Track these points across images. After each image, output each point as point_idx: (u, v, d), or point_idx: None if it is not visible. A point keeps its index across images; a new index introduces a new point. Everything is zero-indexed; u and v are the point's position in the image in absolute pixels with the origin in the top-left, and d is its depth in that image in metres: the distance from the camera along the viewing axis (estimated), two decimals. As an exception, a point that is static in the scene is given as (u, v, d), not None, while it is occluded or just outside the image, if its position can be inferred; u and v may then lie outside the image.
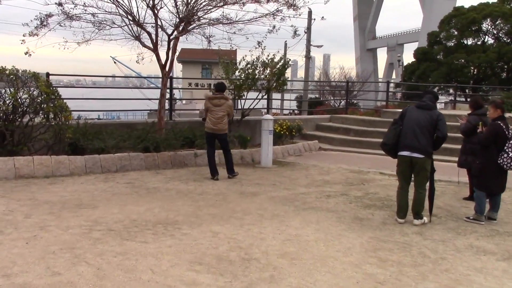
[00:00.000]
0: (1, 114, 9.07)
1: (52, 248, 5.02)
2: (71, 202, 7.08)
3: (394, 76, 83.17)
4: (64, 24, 10.31)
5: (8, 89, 9.25)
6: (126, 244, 5.25)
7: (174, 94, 17.26)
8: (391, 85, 27.21)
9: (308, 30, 29.94)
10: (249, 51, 12.88)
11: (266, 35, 12.18)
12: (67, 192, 7.72)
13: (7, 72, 9.32)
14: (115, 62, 53.34)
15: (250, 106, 13.41)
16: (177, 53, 12.69)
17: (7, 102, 9.08)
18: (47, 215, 6.32)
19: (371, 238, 5.85)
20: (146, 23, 11.44)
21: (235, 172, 9.55)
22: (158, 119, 11.74)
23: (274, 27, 12.00)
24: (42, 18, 10.25)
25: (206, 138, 9.59)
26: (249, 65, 12.85)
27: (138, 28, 11.39)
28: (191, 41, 23.59)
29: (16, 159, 8.72)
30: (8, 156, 8.96)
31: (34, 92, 9.45)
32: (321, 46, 34.19)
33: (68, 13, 10.32)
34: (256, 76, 12.91)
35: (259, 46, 12.56)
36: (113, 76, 30.55)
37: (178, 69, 44.54)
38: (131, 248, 5.12)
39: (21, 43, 10.80)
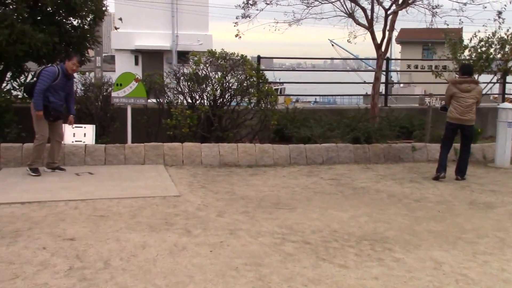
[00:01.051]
0: (209, 99, 8.87)
1: (236, 262, 4.23)
2: (269, 199, 6.34)
3: None
4: (271, 2, 9.68)
5: (216, 73, 9.02)
6: (322, 267, 4.20)
7: (391, 77, 15.67)
8: None
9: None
10: (483, 26, 10.67)
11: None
12: (266, 186, 7.04)
13: (217, 55, 9.08)
14: (332, 45, 53.17)
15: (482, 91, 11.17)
16: (395, 32, 11.16)
17: (215, 86, 8.84)
18: (241, 214, 5.66)
19: None
20: (361, -4, 10.20)
21: (465, 175, 7.78)
22: (371, 105, 10.47)
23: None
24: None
25: (447, 129, 7.93)
26: (482, 43, 10.65)
27: (351, 3, 10.22)
28: (412, 17, 21.37)
29: (221, 146, 8.42)
30: (214, 142, 8.74)
31: (241, 76, 9.05)
32: None
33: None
34: (491, 56, 10.65)
35: (498, 17, 10.28)
36: (331, 58, 29.89)
37: (396, 50, 42.12)
38: (326, 274, 4.05)
39: (234, 25, 10.58)
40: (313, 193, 6.73)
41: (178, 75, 9.10)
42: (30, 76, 9.53)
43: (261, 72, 9.15)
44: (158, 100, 9.59)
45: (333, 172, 8.03)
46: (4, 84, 9.31)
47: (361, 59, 29.66)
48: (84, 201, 5.90)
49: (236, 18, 10.58)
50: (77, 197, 6.00)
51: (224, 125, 9.06)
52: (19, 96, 9.24)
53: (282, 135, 9.90)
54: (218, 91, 8.90)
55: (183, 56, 22.99)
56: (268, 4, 9.79)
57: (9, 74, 9.30)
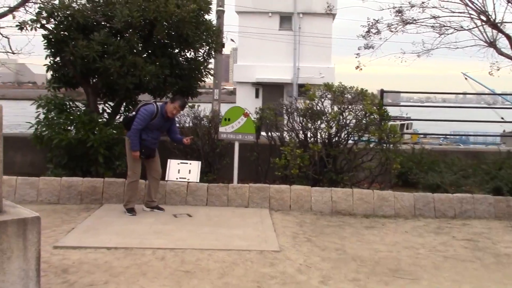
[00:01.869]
0: (323, 137, 7.98)
1: None
2: (386, 263, 5.23)
3: None
4: (397, 30, 8.62)
5: (332, 108, 8.12)
6: None
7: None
8: None
9: None
10: None
11: None
12: (384, 244, 5.92)
13: (334, 89, 8.20)
14: (466, 78, 49.36)
15: None
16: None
17: (330, 123, 7.93)
18: (350, 282, 4.63)
19: None
20: (505, 22, 8.74)
21: None
22: (516, 148, 8.82)
23: None
24: (371, 24, 8.82)
25: None
26: None
27: (493, 30, 8.80)
28: None
29: (334, 191, 7.44)
30: (327, 185, 7.80)
31: (360, 113, 8.05)
32: None
33: (403, 18, 8.61)
34: None
35: None
36: (464, 93, 27.50)
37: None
38: None
39: (355, 56, 9.69)
40: (442, 258, 5.47)
41: (290, 110, 8.35)
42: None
43: (383, 108, 8.08)
44: (269, 136, 8.92)
45: (468, 230, 6.64)
46: (117, 116, 9.27)
47: (500, 94, 26.76)
48: (173, 250, 5.27)
49: (358, 49, 9.69)
50: (167, 245, 5.40)
51: (338, 166, 8.09)
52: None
53: (406, 180, 8.66)
54: (334, 128, 7.98)
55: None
56: (393, 32, 8.76)
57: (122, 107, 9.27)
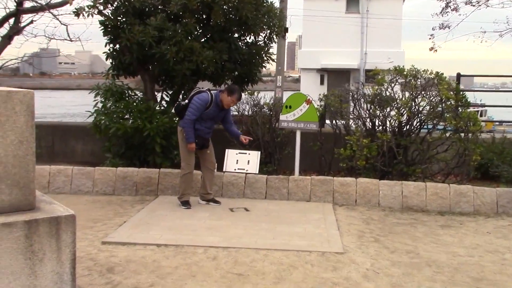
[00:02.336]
0: (393, 125, 7.29)
1: None
2: (467, 269, 4.56)
3: None
4: (479, 3, 7.72)
5: (402, 94, 7.41)
6: None
7: None
8: None
9: None
10: None
11: None
12: (463, 246, 5.22)
13: (405, 73, 7.47)
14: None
15: None
16: None
17: (401, 110, 7.22)
18: (424, 292, 4.03)
19: None
20: None
21: None
22: None
23: None
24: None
25: None
26: None
27: None
28: None
29: (405, 185, 6.77)
30: (397, 178, 7.14)
31: (435, 99, 7.29)
32: None
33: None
34: None
35: None
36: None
37: None
38: None
39: (429, 38, 8.87)
40: (533, 266, 4.73)
41: (356, 96, 7.71)
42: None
43: (461, 93, 7.25)
44: (333, 124, 8.33)
45: None
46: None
47: None
48: (226, 249, 4.86)
49: (433, 29, 8.85)
50: (220, 243, 4.99)
51: (410, 158, 7.39)
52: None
53: (486, 173, 7.84)
54: (405, 116, 7.27)
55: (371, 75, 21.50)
56: (475, 5, 7.85)
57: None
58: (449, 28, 8.83)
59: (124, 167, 7.80)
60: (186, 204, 6.34)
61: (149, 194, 7.04)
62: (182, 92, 8.82)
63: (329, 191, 6.86)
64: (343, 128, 8.17)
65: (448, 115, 7.00)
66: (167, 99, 8.93)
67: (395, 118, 6.91)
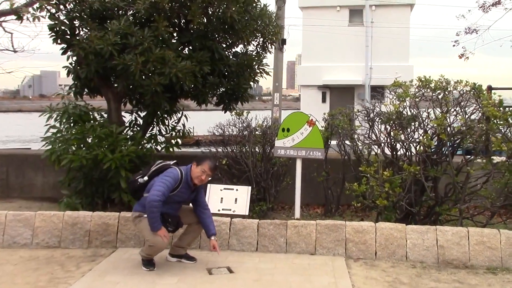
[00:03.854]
0: (419, 152, 5.65)
1: None
2: None
3: None
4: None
5: (432, 110, 5.79)
6: None
7: None
8: None
9: None
10: None
11: None
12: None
13: (432, 85, 5.88)
14: None
15: None
16: None
17: (429, 132, 5.60)
18: None
19: None
20: None
21: None
22: None
23: None
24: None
25: None
26: None
27: None
28: None
29: (440, 231, 5.12)
30: (429, 222, 5.53)
31: (472, 116, 5.67)
32: None
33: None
34: None
35: None
36: None
37: None
38: None
39: (454, 45, 7.33)
40: None
41: (371, 115, 6.10)
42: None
43: (508, 109, 5.62)
44: (342, 149, 6.74)
45: None
46: (150, 128, 7.42)
47: None
48: None
49: (457, 34, 7.30)
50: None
51: (443, 193, 5.75)
52: (163, 146, 7.22)
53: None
54: (435, 139, 5.65)
55: (377, 91, 19.92)
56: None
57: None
58: (477, 33, 7.28)
59: (83, 207, 6.25)
60: (149, 264, 4.68)
61: (106, 246, 5.41)
62: (159, 114, 7.24)
63: (340, 241, 5.21)
64: (353, 154, 6.58)
65: (492, 137, 5.36)
66: (140, 122, 7.37)
67: (424, 142, 5.27)
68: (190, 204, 4.94)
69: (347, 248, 5.19)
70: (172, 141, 7.25)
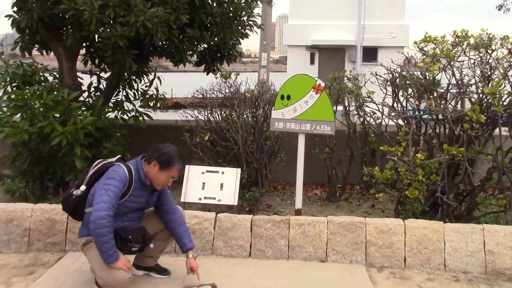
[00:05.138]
0: (466, 130, 4.39)
1: None
2: None
3: None
4: None
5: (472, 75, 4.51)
6: None
7: None
8: None
9: None
10: None
11: None
12: None
13: (471, 41, 4.59)
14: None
15: None
16: None
17: (483, 103, 4.33)
18: None
19: None
20: None
21: None
22: None
23: None
24: None
25: None
26: None
27: None
28: None
29: (489, 231, 3.95)
30: (474, 220, 4.36)
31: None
32: None
33: None
34: None
35: None
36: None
37: None
38: None
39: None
40: None
41: (395, 79, 4.80)
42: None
43: None
44: (350, 122, 5.52)
45: None
46: (114, 93, 6.05)
47: None
48: None
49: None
50: None
51: (478, 179, 4.55)
52: (130, 115, 5.89)
53: None
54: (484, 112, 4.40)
55: (370, 53, 18.63)
56: None
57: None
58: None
59: (29, 192, 4.98)
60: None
61: (51, 250, 4.12)
62: (125, 76, 5.85)
63: (359, 244, 4.00)
64: (363, 127, 5.38)
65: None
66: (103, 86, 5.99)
67: (472, 116, 4.01)
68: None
69: (368, 254, 3.99)
70: (142, 109, 5.92)
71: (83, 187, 3.32)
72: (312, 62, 19.35)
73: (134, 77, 6.02)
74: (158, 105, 6.25)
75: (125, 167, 3.25)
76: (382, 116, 5.17)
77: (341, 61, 18.99)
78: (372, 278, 3.73)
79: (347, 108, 5.66)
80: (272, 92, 5.50)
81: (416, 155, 4.07)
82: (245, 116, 5.38)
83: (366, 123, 5.56)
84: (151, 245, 3.44)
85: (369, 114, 5.43)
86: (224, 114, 5.47)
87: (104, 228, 3.02)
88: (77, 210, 3.38)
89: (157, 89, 6.19)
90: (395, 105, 4.79)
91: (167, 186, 3.43)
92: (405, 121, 4.59)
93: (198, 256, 3.56)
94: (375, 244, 3.98)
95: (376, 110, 5.32)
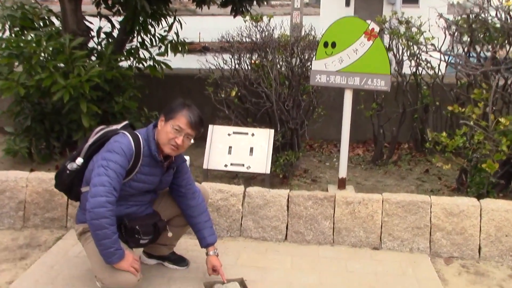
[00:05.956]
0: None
1: None
2: None
3: None
4: None
5: None
6: None
7: None
8: None
9: None
10: None
11: None
12: None
13: None
14: None
15: None
16: None
17: None
18: None
19: None
20: None
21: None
22: None
23: None
24: None
25: None
26: None
27: None
28: None
29: None
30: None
31: None
32: None
33: None
34: None
35: None
36: None
37: None
38: None
39: None
40: None
41: (469, 21, 3.86)
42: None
43: None
44: (401, 73, 4.67)
45: None
46: (128, 41, 5.26)
47: None
48: None
49: None
50: None
51: None
52: (147, 65, 5.09)
53: None
54: None
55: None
56: None
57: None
58: None
59: (31, 153, 4.37)
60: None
61: (50, 226, 3.49)
62: (140, 19, 5.03)
63: (422, 228, 3.23)
64: (415, 79, 4.52)
65: None
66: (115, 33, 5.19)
67: None
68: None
69: (433, 241, 3.23)
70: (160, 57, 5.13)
71: (79, 160, 2.62)
72: (347, 4, 17.98)
73: (150, 21, 5.20)
74: (180, 49, 5.44)
75: (131, 137, 2.51)
76: (446, 67, 4.28)
77: (379, 3, 17.57)
78: (440, 274, 2.98)
79: (400, 57, 4.77)
80: (312, 38, 4.61)
81: (499, 119, 3.21)
82: (278, 66, 4.55)
83: (418, 73, 4.72)
84: (169, 234, 2.74)
85: (427, 64, 4.55)
86: (255, 64, 4.64)
87: (103, 218, 2.33)
88: (73, 188, 2.70)
89: (177, 33, 5.36)
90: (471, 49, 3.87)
91: (185, 164, 2.70)
92: (482, 75, 3.68)
93: (224, 238, 2.85)
94: (442, 229, 3.21)
95: (436, 59, 4.43)
